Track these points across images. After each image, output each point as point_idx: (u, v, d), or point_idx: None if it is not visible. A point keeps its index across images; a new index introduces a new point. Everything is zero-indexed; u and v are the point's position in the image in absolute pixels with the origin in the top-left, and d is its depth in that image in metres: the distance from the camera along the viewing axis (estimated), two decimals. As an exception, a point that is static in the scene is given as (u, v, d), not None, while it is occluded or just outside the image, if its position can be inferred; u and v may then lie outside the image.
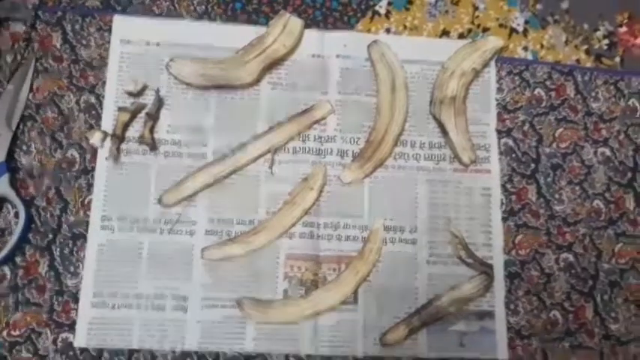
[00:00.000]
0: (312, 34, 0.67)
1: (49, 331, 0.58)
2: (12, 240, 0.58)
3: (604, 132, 0.68)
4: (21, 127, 0.62)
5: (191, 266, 0.60)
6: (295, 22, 0.65)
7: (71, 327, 0.58)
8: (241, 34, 0.65)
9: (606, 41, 0.71)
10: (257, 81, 0.65)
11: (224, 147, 0.63)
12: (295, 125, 0.64)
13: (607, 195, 0.66)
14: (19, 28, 0.64)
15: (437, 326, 0.61)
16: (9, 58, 0.63)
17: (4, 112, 0.60)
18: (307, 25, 0.67)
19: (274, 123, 0.64)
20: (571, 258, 0.65)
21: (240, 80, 0.64)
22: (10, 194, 0.59)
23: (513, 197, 0.65)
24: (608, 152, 0.67)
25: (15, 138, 0.61)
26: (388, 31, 0.69)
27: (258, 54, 0.64)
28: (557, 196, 0.66)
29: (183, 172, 0.62)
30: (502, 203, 0.65)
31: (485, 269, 0.62)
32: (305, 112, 0.65)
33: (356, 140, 0.65)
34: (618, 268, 0.65)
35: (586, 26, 0.71)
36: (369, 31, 0.69)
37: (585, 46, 0.71)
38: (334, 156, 0.65)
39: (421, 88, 0.67)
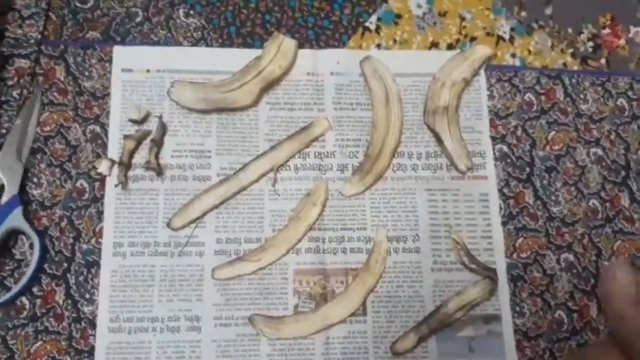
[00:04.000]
0: (306, 54, 0.68)
1: (69, 358, 0.58)
2: (28, 271, 0.58)
3: (595, 132, 0.69)
4: (31, 159, 0.62)
5: (202, 287, 0.61)
6: (289, 43, 0.67)
7: (90, 353, 0.58)
8: (238, 57, 0.66)
9: (591, 44, 0.73)
10: (256, 102, 0.66)
11: (227, 168, 0.64)
12: (295, 143, 0.65)
13: (602, 194, 0.67)
14: (24, 63, 0.65)
15: (445, 333, 0.62)
16: (16, 94, 0.63)
17: (14, 146, 0.61)
18: (301, 45, 0.68)
19: (275, 142, 0.65)
20: (571, 258, 0.65)
21: (240, 102, 0.65)
22: (24, 226, 0.59)
23: (511, 201, 0.66)
24: (600, 152, 0.68)
25: (26, 171, 0.62)
26: (379, 46, 0.70)
27: (255, 76, 0.65)
28: (553, 197, 0.67)
29: (189, 194, 0.63)
30: (500, 208, 0.66)
31: (488, 274, 0.63)
32: (304, 129, 0.66)
33: (355, 154, 0.66)
34: (618, 265, 0.66)
35: (570, 30, 0.73)
36: (360, 47, 0.70)
37: (571, 50, 0.72)
38: (334, 171, 0.66)
39: (414, 99, 0.68)
